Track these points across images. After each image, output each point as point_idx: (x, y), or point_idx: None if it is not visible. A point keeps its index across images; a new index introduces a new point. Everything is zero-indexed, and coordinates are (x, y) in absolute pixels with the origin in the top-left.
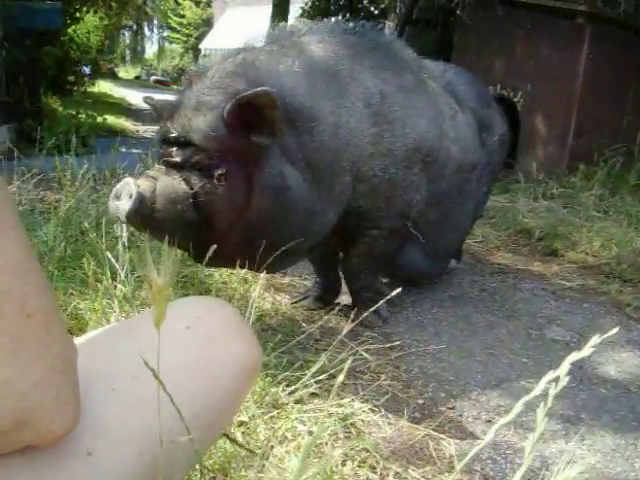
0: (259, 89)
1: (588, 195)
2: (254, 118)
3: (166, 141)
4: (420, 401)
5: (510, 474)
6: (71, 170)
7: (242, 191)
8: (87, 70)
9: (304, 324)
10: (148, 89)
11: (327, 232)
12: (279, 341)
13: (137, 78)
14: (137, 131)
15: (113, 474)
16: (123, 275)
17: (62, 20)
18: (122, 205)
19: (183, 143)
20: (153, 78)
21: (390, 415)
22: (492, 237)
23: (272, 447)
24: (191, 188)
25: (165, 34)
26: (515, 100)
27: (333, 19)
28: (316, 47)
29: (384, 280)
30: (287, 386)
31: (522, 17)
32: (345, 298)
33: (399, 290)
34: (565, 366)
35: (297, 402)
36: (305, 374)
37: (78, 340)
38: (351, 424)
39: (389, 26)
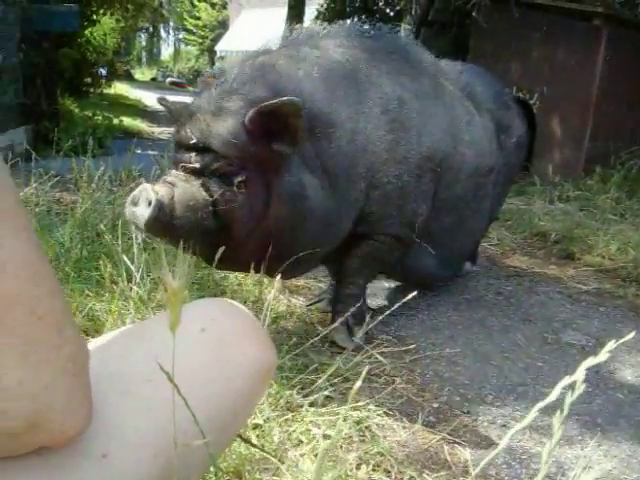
0: (285, 98)
1: (604, 198)
2: (276, 126)
3: (184, 146)
4: (435, 405)
5: (525, 479)
6: (88, 172)
7: (261, 199)
8: (104, 72)
9: (319, 327)
10: (164, 91)
11: (342, 239)
12: (294, 344)
13: (153, 80)
14: (153, 133)
15: (127, 476)
16: (139, 277)
17: (79, 22)
18: (140, 212)
19: (202, 149)
20: (169, 80)
21: (405, 419)
22: (508, 240)
23: (286, 450)
24: (211, 195)
25: (181, 36)
26: (531, 102)
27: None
28: (334, 52)
29: (397, 284)
30: (302, 389)
31: (538, 19)
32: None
33: (414, 294)
34: (581, 371)
35: (312, 405)
36: (320, 377)
37: (92, 343)
38: (366, 427)
39: (405, 28)
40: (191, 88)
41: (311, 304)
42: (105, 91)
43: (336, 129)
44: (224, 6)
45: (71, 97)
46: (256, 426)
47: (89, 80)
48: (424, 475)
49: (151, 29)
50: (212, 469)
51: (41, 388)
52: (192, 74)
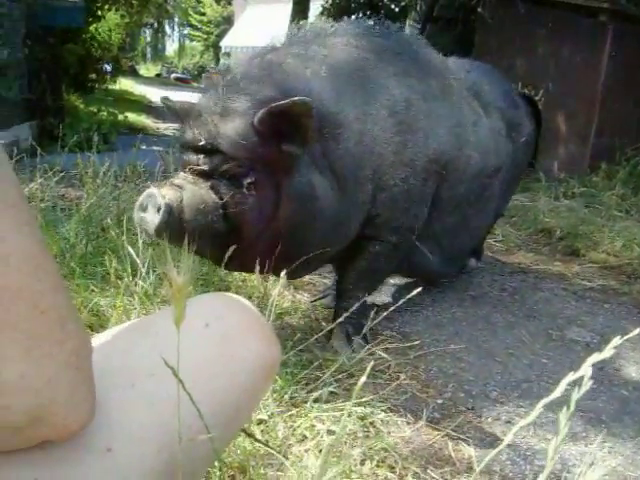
0: (296, 98)
1: (610, 194)
2: (287, 126)
3: (191, 148)
4: (439, 401)
5: (530, 475)
6: (93, 167)
7: (271, 200)
8: (108, 68)
9: (323, 322)
10: (169, 87)
11: (351, 239)
12: (298, 339)
13: (158, 76)
14: (158, 128)
15: (130, 471)
16: (144, 272)
17: (84, 18)
18: (149, 218)
19: (210, 150)
20: (174, 76)
21: (409, 415)
22: (512, 236)
23: (291, 445)
24: (220, 198)
25: (186, 32)
26: (536, 98)
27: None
28: (342, 51)
29: (401, 280)
30: (306, 385)
31: (543, 15)
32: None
33: (419, 290)
34: (586, 368)
35: (316, 401)
36: (324, 373)
37: (96, 337)
38: (370, 423)
39: (410, 24)
40: (196, 84)
41: (315, 300)
42: (110, 87)
43: (344, 130)
44: (229, 2)
45: (76, 93)
46: (260, 421)
47: (94, 76)
48: (428, 471)
49: (156, 25)
50: (216, 464)
51: (44, 382)
52: (197, 70)
